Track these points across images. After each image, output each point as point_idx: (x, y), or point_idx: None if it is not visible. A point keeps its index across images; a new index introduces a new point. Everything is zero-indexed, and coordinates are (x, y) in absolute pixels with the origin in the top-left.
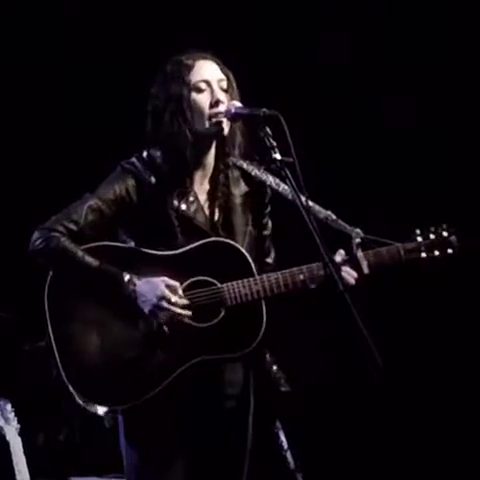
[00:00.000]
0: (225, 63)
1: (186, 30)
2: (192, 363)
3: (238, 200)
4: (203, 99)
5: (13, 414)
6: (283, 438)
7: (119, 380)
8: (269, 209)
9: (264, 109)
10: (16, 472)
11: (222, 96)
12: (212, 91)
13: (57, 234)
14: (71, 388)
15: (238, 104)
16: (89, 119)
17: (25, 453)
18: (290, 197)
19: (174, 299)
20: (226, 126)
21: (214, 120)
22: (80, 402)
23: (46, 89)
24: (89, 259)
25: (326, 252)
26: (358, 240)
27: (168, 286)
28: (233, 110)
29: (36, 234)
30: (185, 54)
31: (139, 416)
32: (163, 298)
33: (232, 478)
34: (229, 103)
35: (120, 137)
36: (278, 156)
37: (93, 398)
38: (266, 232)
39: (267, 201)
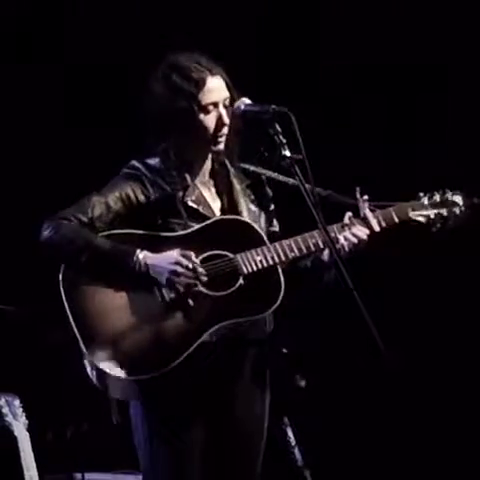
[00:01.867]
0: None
1: (186, 29)
2: (211, 331)
3: (241, 192)
4: (210, 121)
5: (21, 409)
6: (291, 434)
7: (143, 352)
8: (273, 207)
9: (273, 106)
10: (24, 468)
11: (226, 118)
12: (219, 113)
13: (67, 221)
14: (96, 364)
15: (247, 101)
16: (89, 119)
17: (33, 449)
18: (290, 184)
19: (190, 264)
20: (223, 146)
21: (217, 141)
22: (98, 384)
23: (46, 89)
24: (101, 240)
25: (335, 248)
26: (366, 197)
27: (183, 255)
28: (242, 107)
29: (46, 223)
30: (190, 62)
31: (159, 397)
32: (178, 263)
33: (248, 463)
34: (239, 100)
35: (120, 137)
36: (288, 153)
37: (119, 372)
38: (273, 229)
39: (270, 199)
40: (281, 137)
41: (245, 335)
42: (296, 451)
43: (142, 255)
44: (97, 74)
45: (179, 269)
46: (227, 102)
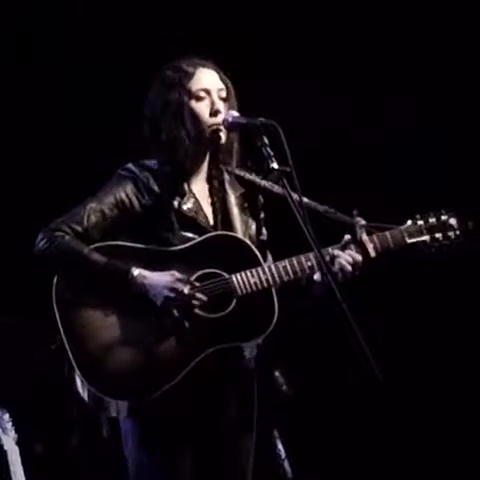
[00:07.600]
0: (225, 70)
1: (186, 30)
2: (207, 353)
3: (234, 201)
4: (202, 108)
5: (11, 424)
6: (281, 447)
7: (135, 374)
8: (263, 216)
9: (261, 118)
10: None
11: (221, 106)
12: (212, 100)
13: (61, 233)
14: (87, 384)
15: (235, 113)
16: (89, 119)
17: (23, 463)
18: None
19: (186, 290)
20: (224, 135)
21: (213, 129)
22: (90, 402)
23: (46, 89)
24: (96, 256)
25: (323, 260)
26: (362, 223)
27: (178, 279)
28: (230, 119)
29: (40, 235)
30: (185, 60)
31: (150, 414)
32: (174, 289)
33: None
34: (227, 113)
35: (120, 137)
36: (275, 165)
37: (110, 393)
38: (262, 237)
39: (260, 207)
40: (269, 149)
41: (233, 353)
42: (286, 463)
43: (137, 273)
44: (97, 74)
45: (175, 295)
46: (223, 94)
